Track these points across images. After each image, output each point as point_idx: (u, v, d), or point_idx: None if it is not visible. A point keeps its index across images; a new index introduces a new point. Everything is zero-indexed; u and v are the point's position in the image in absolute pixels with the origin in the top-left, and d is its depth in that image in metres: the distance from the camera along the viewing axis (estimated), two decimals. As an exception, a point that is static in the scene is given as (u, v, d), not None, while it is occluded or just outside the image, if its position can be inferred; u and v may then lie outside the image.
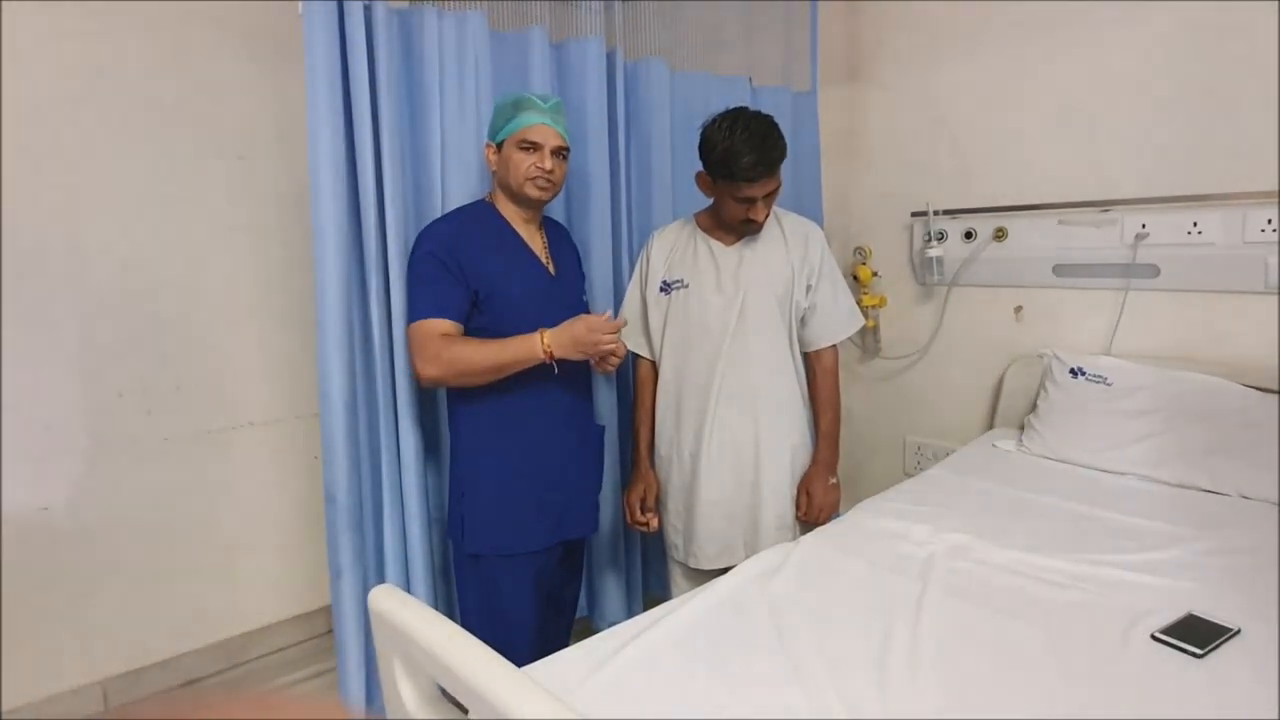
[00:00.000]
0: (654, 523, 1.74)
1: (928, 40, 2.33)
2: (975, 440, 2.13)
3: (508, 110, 1.49)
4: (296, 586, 2.19)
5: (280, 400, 2.12)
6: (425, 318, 1.44)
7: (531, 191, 1.49)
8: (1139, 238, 1.95)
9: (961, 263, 2.30)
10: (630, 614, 1.97)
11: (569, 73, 1.87)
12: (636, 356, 1.76)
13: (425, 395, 1.70)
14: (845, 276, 1.84)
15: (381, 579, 1.63)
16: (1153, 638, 1.08)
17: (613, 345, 1.43)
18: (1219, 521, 1.48)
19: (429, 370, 1.42)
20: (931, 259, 2.32)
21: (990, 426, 2.28)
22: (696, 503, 1.67)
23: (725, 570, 1.36)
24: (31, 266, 1.72)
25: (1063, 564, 1.30)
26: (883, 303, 2.53)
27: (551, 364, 1.42)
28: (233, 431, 2.05)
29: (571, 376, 1.59)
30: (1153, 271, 1.96)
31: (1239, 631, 1.08)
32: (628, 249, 2.00)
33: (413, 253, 1.51)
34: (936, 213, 2.33)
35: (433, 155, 1.68)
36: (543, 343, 1.40)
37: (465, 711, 0.92)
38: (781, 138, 1.52)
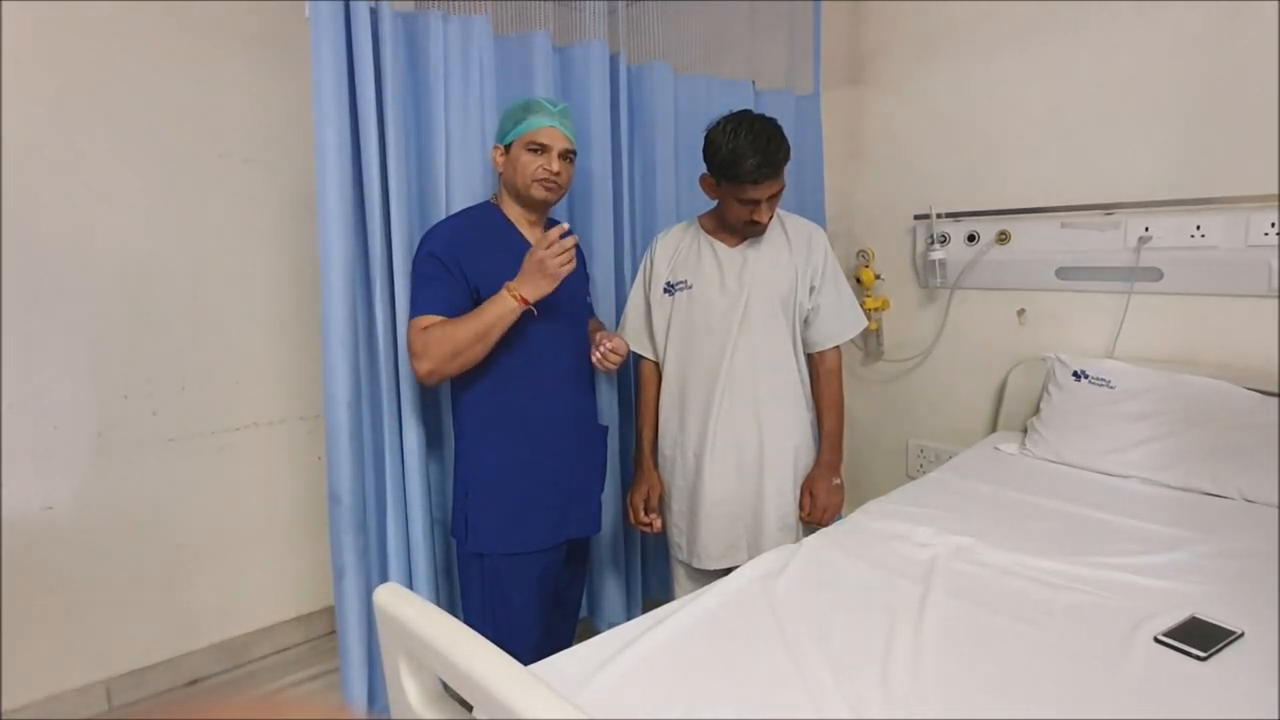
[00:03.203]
0: (657, 523, 1.74)
1: (930, 43, 2.33)
2: (978, 443, 2.13)
3: (517, 113, 1.51)
4: (299, 587, 2.20)
5: (284, 401, 2.14)
6: (422, 316, 1.45)
7: (538, 193, 1.51)
8: (1142, 241, 1.95)
9: (964, 265, 2.30)
10: (630, 615, 1.97)
11: (573, 76, 1.88)
12: (640, 357, 1.77)
13: (428, 396, 1.70)
14: (848, 279, 1.84)
15: (384, 579, 1.63)
16: (1156, 640, 1.08)
17: (564, 255, 1.37)
18: (1222, 524, 1.48)
19: (422, 365, 1.43)
20: (934, 262, 2.32)
21: (993, 429, 2.28)
22: (700, 503, 1.67)
23: (728, 571, 1.36)
24: (38, 268, 1.73)
25: (1065, 566, 1.30)
26: (885, 305, 2.53)
27: (531, 309, 1.40)
28: (237, 432, 2.06)
29: (574, 376, 1.60)
30: (1156, 274, 1.96)
31: (1242, 634, 1.08)
32: (631, 251, 2.01)
33: (416, 253, 1.52)
34: (939, 215, 2.33)
35: (437, 157, 1.69)
36: (511, 292, 1.38)
37: (470, 709, 0.92)
38: (785, 140, 1.52)
